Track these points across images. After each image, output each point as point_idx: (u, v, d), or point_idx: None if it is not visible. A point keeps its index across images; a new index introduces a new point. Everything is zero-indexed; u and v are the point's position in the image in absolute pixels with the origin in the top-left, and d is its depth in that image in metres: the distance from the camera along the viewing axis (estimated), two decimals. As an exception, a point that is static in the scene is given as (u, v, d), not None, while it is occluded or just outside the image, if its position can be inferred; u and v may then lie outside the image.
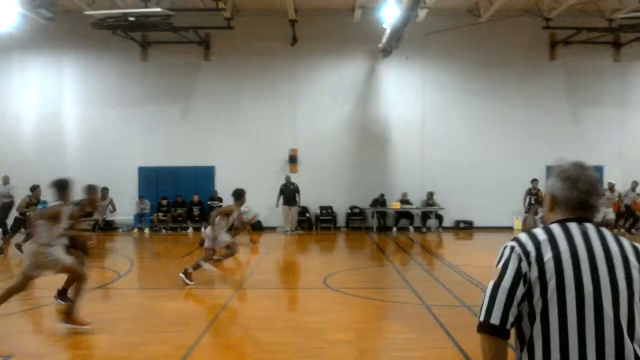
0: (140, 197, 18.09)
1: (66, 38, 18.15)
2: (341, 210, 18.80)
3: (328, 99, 18.79)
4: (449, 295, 8.71)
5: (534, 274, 1.97)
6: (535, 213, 15.15)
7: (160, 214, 18.14)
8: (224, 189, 17.08)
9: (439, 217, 18.33)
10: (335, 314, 7.65)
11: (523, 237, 2.06)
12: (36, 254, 6.50)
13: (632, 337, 1.91)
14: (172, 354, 5.88)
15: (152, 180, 18.21)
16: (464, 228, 18.54)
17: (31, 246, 6.68)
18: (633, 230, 17.26)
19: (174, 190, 18.24)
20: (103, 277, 10.52)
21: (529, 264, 1.98)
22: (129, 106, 18.72)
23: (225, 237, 9.69)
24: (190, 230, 17.67)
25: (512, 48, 18.90)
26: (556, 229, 2.05)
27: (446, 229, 18.41)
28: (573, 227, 2.05)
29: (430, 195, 18.31)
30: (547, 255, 1.97)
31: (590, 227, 2.05)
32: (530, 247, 2.01)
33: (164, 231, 17.88)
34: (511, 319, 1.98)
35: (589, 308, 1.91)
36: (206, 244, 9.66)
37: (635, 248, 2.04)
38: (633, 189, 17.44)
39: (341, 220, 18.82)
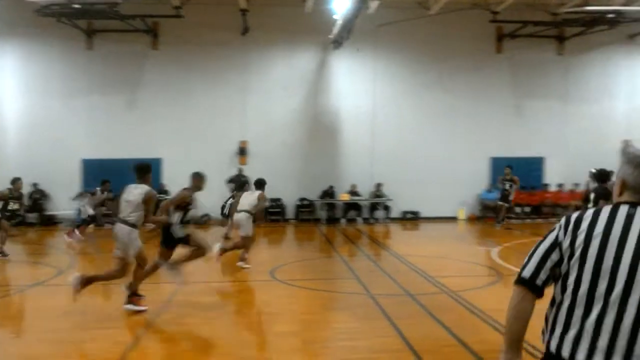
0: (84, 191, 17.54)
1: (8, 25, 17.43)
2: (291, 202, 18.77)
3: (279, 90, 18.68)
4: (394, 285, 8.81)
5: (567, 242, 2.19)
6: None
7: (104, 208, 17.64)
8: (171, 181, 16.78)
9: (387, 208, 18.53)
10: (281, 306, 7.64)
11: (575, 213, 2.27)
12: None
13: (629, 321, 2.01)
14: (111, 350, 5.74)
15: (96, 173, 17.69)
16: (411, 219, 18.79)
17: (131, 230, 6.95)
18: None
19: (119, 183, 17.70)
20: (42, 273, 10.20)
21: (565, 233, 2.21)
22: (73, 96, 18.13)
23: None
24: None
25: (460, 41, 19.17)
26: (606, 209, 2.19)
27: (394, 219, 18.61)
28: (623, 209, 2.16)
29: (379, 186, 18.47)
30: (583, 228, 2.16)
31: (639, 213, 2.13)
32: (572, 220, 2.22)
33: (107, 225, 17.26)
34: (542, 276, 2.24)
35: (602, 281, 2.06)
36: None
37: None
38: None
39: (290, 212, 18.79)
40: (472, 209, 19.15)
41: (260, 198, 10.20)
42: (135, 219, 7.00)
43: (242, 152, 18.37)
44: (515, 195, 18.21)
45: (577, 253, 2.15)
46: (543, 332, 2.29)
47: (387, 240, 15.36)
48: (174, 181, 17.64)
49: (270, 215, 18.28)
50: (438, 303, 7.73)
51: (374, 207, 18.62)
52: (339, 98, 19.02)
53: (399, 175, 18.50)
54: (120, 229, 7.00)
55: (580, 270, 2.13)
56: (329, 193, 18.39)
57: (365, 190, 18.68)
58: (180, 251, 8.02)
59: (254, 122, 18.48)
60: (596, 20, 17.78)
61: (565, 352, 2.12)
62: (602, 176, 9.69)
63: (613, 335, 2.02)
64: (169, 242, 7.78)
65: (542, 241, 2.31)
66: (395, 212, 18.78)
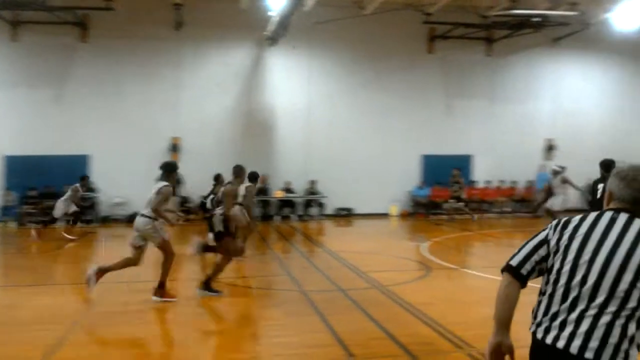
0: (7, 189, 16.80)
1: None
2: (225, 199, 18.58)
3: (213, 86, 18.43)
4: (326, 281, 8.90)
5: (554, 239, 2.48)
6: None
7: (28, 207, 16.93)
8: (99, 178, 16.30)
9: (321, 205, 18.68)
10: (209, 304, 7.57)
11: (565, 216, 2.57)
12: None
13: (620, 305, 2.24)
14: (33, 353, 5.54)
15: (20, 170, 16.94)
16: (345, 215, 18.98)
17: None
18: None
19: (44, 180, 17.07)
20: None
21: (554, 232, 2.50)
22: (-5, 89, 17.29)
23: None
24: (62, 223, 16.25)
25: (394, 41, 19.52)
26: (592, 214, 2.47)
27: (328, 216, 18.78)
28: (607, 214, 2.44)
29: (313, 183, 18.59)
30: (569, 229, 2.45)
31: (622, 217, 2.39)
32: (562, 221, 2.52)
33: (32, 225, 16.50)
34: (527, 267, 2.53)
35: (578, 275, 2.33)
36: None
37: None
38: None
39: (225, 210, 18.58)
40: (404, 206, 19.54)
41: (250, 190, 10.89)
42: (157, 215, 7.48)
43: (175, 148, 18.01)
44: (444, 192, 18.83)
45: (561, 249, 2.43)
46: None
47: (320, 237, 15.49)
48: (104, 177, 17.21)
49: (204, 212, 18.00)
50: (369, 298, 7.87)
51: (308, 204, 18.71)
52: (274, 95, 18.99)
53: (333, 172, 18.67)
54: (140, 221, 7.49)
55: (561, 265, 2.41)
56: (263, 190, 18.32)
57: (299, 187, 18.76)
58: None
59: (187, 118, 18.18)
60: (522, 24, 18.53)
61: (540, 333, 2.39)
62: (607, 166, 9.12)
63: (590, 322, 2.25)
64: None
65: (533, 237, 2.61)
66: (329, 209, 18.95)
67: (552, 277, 2.43)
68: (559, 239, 2.47)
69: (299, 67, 19.19)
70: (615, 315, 2.24)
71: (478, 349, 5.61)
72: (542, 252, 2.52)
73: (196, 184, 17.79)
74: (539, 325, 2.42)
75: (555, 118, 21.00)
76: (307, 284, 8.64)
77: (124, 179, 16.75)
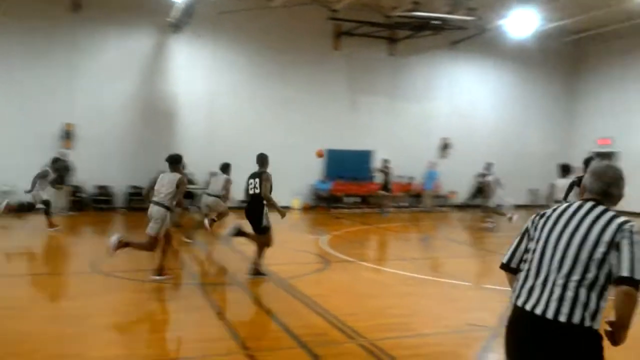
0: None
1: None
2: (121, 190, 17.86)
3: (112, 72, 17.60)
4: (222, 274, 8.78)
5: (532, 229, 2.98)
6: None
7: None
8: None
9: (224, 197, 18.38)
10: (102, 298, 7.24)
11: (546, 210, 3.02)
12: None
13: (580, 276, 2.70)
14: None
15: None
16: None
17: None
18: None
19: None
20: None
21: (532, 222, 3.00)
22: None
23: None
24: None
25: (300, 35, 19.57)
26: (563, 205, 2.97)
27: (230, 208, 18.47)
28: (575, 204, 2.92)
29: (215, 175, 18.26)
30: (542, 218, 2.95)
31: (587, 205, 2.87)
32: (539, 214, 3.00)
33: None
34: (515, 260, 3.04)
35: (547, 254, 2.82)
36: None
37: (622, 224, 2.74)
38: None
39: (121, 200, 17.88)
40: (306, 199, 19.68)
41: (227, 182, 11.76)
42: (169, 202, 8.10)
43: (67, 135, 17.04)
44: (345, 187, 19.19)
45: (536, 234, 2.93)
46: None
47: (220, 229, 15.24)
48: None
49: (96, 203, 17.25)
50: (266, 291, 7.85)
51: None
52: (177, 83, 18.43)
53: (236, 164, 18.38)
54: (156, 210, 8.10)
55: (535, 245, 2.91)
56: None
57: (201, 178, 18.36)
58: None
59: (82, 104, 17.22)
60: (423, 26, 19.17)
61: (520, 302, 2.85)
62: (566, 168, 11.42)
63: (556, 290, 2.73)
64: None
65: (518, 234, 3.10)
66: (231, 201, 18.67)
67: (528, 257, 2.93)
68: (535, 227, 2.97)
69: (202, 56, 18.76)
70: (579, 283, 2.69)
71: (369, 339, 5.75)
72: (524, 244, 3.02)
73: (92, 172, 17.02)
74: (518, 296, 2.89)
75: (451, 118, 21.96)
76: (203, 276, 8.48)
77: (10, 166, 15.65)
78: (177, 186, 8.19)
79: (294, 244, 12.31)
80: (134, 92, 17.97)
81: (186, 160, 18.18)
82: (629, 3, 17.60)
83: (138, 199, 17.59)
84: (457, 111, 22.12)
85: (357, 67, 20.51)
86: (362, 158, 20.30)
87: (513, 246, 3.08)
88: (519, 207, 22.32)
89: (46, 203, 12.73)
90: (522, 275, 2.91)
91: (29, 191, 12.67)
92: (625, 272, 2.61)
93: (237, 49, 19.11)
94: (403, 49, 21.07)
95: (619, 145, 22.13)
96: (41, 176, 12.75)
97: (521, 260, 3.00)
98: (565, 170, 11.56)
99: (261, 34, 19.02)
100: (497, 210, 15.60)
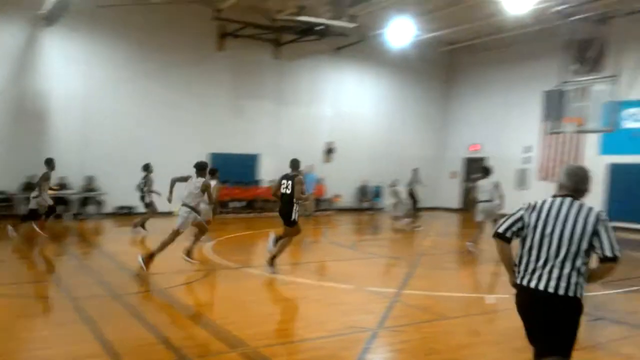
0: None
1: None
2: (-15, 195, 16.41)
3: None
4: (99, 286, 8.32)
5: (526, 217, 3.82)
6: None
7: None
8: None
9: (100, 203, 17.47)
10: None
11: (533, 200, 3.88)
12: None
13: (567, 257, 3.63)
14: None
15: None
16: (126, 214, 17.98)
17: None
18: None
19: None
20: None
21: (526, 211, 3.84)
22: None
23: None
24: None
25: (183, 34, 19.03)
26: (549, 199, 3.83)
27: (107, 215, 17.66)
28: (558, 199, 3.79)
29: (91, 179, 17.32)
30: (535, 210, 3.80)
31: (567, 200, 3.75)
32: (531, 205, 3.85)
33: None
34: (509, 233, 3.89)
35: (545, 241, 3.70)
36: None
37: (597, 215, 3.66)
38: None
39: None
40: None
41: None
42: (195, 203, 9.73)
43: None
44: (231, 191, 18.96)
45: (532, 225, 3.77)
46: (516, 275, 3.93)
47: (97, 238, 14.49)
48: None
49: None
50: (146, 302, 7.55)
51: (84, 201, 17.37)
52: (49, 80, 17.20)
53: (114, 167, 17.56)
54: (184, 210, 9.70)
55: (532, 235, 3.76)
56: (32, 185, 16.51)
57: (76, 182, 17.33)
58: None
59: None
60: (308, 30, 19.40)
61: (525, 282, 3.77)
62: (486, 170, 12.19)
63: (550, 269, 3.65)
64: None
65: (513, 213, 3.92)
66: (108, 207, 17.83)
67: (527, 244, 3.79)
68: (529, 217, 3.81)
69: (78, 52, 17.67)
70: (572, 267, 3.62)
71: (252, 347, 5.68)
72: (519, 224, 3.86)
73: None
74: (523, 277, 3.79)
75: (334, 122, 22.42)
76: (75, 289, 7.96)
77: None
78: (203, 190, 9.64)
79: (175, 251, 11.90)
80: (2, 90, 16.58)
81: (58, 163, 17.38)
82: (495, 18, 18.91)
83: (4, 206, 16.27)
84: (341, 116, 22.63)
85: (241, 70, 20.34)
86: (247, 162, 20.18)
87: (508, 222, 3.93)
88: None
89: (52, 208, 12.91)
90: (524, 260, 3.82)
91: None
92: (608, 253, 3.61)
93: (116, 46, 18.23)
94: (288, 53, 21.20)
95: (487, 151, 23.73)
96: (45, 178, 12.53)
97: (512, 236, 3.91)
98: (485, 171, 12.34)
99: (141, 30, 18.30)
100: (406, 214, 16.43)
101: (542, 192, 20.10)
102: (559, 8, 16.23)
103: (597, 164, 18.12)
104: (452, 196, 25.06)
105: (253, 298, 7.93)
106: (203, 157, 18.74)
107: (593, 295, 9.31)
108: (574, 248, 3.62)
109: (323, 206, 21.75)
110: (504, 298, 8.33)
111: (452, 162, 25.21)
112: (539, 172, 21.28)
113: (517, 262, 3.87)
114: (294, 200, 9.68)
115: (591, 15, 17.23)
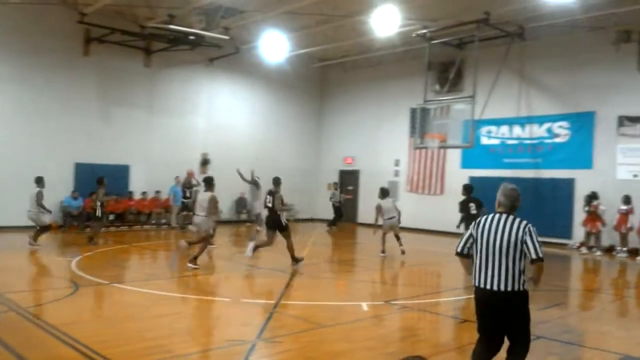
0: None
1: None
2: None
3: None
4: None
5: (475, 232, 4.72)
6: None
7: None
8: None
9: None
10: None
11: (479, 219, 4.79)
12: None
13: (508, 261, 4.54)
14: None
15: None
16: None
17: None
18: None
19: None
20: None
21: (474, 229, 4.73)
22: None
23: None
24: None
25: (46, 37, 17.86)
26: (490, 215, 4.73)
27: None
28: (498, 215, 4.70)
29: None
30: (480, 225, 4.71)
31: (503, 216, 4.68)
32: (476, 222, 4.77)
33: None
34: (465, 249, 4.82)
35: (490, 250, 4.60)
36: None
37: (525, 226, 4.60)
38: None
39: None
40: (54, 218, 17.73)
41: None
42: (206, 213, 11.47)
43: None
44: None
45: (478, 237, 4.71)
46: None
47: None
48: None
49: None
50: (3, 322, 6.93)
51: None
52: None
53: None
54: (200, 219, 11.65)
55: (480, 245, 4.68)
56: None
57: None
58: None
59: None
60: (179, 40, 19.01)
61: (480, 283, 4.68)
62: (468, 189, 13.43)
63: (497, 272, 4.58)
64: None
65: (465, 234, 4.88)
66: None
67: (478, 254, 4.72)
68: (477, 231, 4.74)
69: None
70: (513, 268, 4.55)
71: (125, 366, 5.42)
72: (471, 240, 4.80)
73: None
74: (478, 280, 4.71)
75: (209, 133, 22.14)
76: None
77: None
78: (209, 202, 11.44)
79: (38, 268, 11.13)
80: None
81: None
82: (364, 38, 19.81)
83: None
84: (216, 127, 22.40)
85: (110, 76, 19.47)
86: (117, 173, 19.29)
87: (462, 241, 4.88)
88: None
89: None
90: (476, 266, 4.74)
91: None
92: (534, 256, 4.53)
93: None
94: (159, 61, 20.65)
95: (359, 164, 24.64)
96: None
97: (468, 249, 4.84)
98: (384, 193, 14.38)
99: (1, 31, 16.97)
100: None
101: (411, 203, 21.36)
102: (421, 32, 17.30)
103: (460, 178, 19.48)
104: (328, 207, 25.63)
105: (125, 314, 7.57)
106: (69, 168, 17.93)
107: (458, 299, 9.95)
108: (511, 254, 4.58)
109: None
110: (378, 305, 8.68)
111: (329, 175, 25.82)
112: (407, 184, 22.44)
113: (474, 267, 4.80)
114: (277, 210, 11.89)
115: (450, 40, 18.60)
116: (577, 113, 18.14)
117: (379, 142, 23.87)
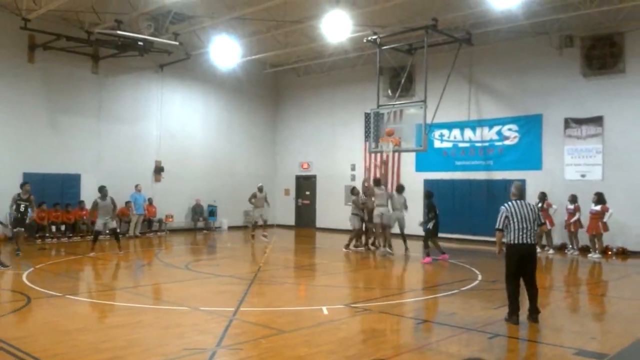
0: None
1: None
2: None
3: None
4: None
5: (508, 213, 7.77)
6: None
7: None
8: None
9: None
10: None
11: (507, 203, 7.86)
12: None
13: (533, 225, 7.73)
14: None
15: None
16: None
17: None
18: None
19: None
20: None
21: (507, 209, 7.79)
22: None
23: None
24: None
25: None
26: (514, 200, 7.88)
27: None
28: (517, 201, 7.88)
29: None
30: (511, 207, 7.79)
31: (519, 201, 7.88)
32: (508, 204, 7.82)
33: None
34: (501, 225, 7.83)
35: (522, 219, 7.68)
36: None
37: (534, 205, 8.39)
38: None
39: None
40: (2, 229, 17.11)
41: None
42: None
43: None
44: (50, 214, 17.53)
45: (513, 214, 7.70)
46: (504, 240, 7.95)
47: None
48: None
49: None
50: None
51: None
52: None
53: None
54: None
55: (516, 218, 7.67)
56: None
57: None
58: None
59: None
60: (128, 46, 18.67)
61: (516, 240, 7.67)
62: (429, 194, 15.08)
63: (529, 232, 7.69)
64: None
65: (500, 215, 7.80)
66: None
67: (515, 224, 7.65)
68: (508, 212, 7.70)
69: None
70: (533, 229, 7.69)
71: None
72: (506, 220, 7.73)
73: None
74: (516, 239, 7.63)
75: (161, 140, 21.81)
76: None
77: None
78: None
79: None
80: None
81: None
82: (316, 44, 19.91)
83: None
84: (169, 134, 22.11)
85: (56, 84, 19.00)
86: (68, 182, 18.80)
87: (500, 219, 7.75)
88: (232, 227, 23.27)
89: None
90: (515, 231, 7.63)
91: None
92: (542, 221, 8.06)
93: None
94: (108, 68, 20.26)
95: (315, 169, 24.71)
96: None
97: (504, 226, 7.71)
98: (400, 189, 16.00)
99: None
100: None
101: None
102: (372, 38, 17.52)
103: (415, 180, 19.78)
104: (287, 213, 25.62)
105: (80, 326, 7.35)
106: (16, 177, 17.34)
107: (417, 300, 10.10)
108: (532, 220, 7.67)
109: (155, 227, 20.98)
110: (338, 309, 8.71)
111: (285, 180, 25.81)
112: (363, 188, 22.59)
113: (508, 234, 7.69)
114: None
115: (401, 46, 18.89)
116: (525, 116, 18.71)
117: (334, 147, 24.01)
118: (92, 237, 15.25)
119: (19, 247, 14.36)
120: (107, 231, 15.35)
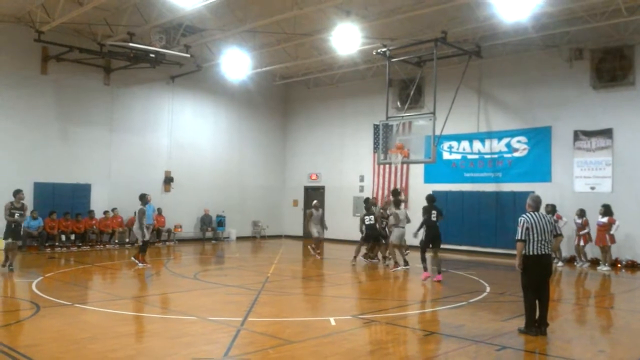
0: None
1: None
2: None
3: None
4: None
5: (528, 223, 7.79)
6: None
7: None
8: None
9: None
10: None
11: (526, 214, 7.93)
12: None
13: (550, 237, 7.85)
14: None
15: None
16: None
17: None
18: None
19: None
20: None
21: (527, 221, 7.82)
22: None
23: None
24: None
25: (2, 55, 17.64)
26: (531, 212, 7.94)
27: None
28: (534, 213, 7.95)
29: None
30: (530, 218, 7.85)
31: (537, 213, 7.97)
32: (527, 216, 7.88)
33: None
34: (523, 236, 7.76)
35: (541, 231, 7.76)
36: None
37: (551, 217, 8.76)
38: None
39: None
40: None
41: None
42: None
43: None
44: (60, 224, 17.63)
45: (533, 226, 7.75)
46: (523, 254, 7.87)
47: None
48: None
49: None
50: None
51: None
52: None
53: None
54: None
55: (535, 229, 7.74)
56: None
57: None
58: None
59: None
60: (140, 57, 18.89)
61: (535, 252, 7.74)
62: (432, 198, 14.01)
63: (546, 243, 7.79)
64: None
65: (521, 226, 7.79)
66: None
67: (535, 235, 7.71)
68: (528, 223, 7.75)
69: None
70: (551, 240, 7.84)
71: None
72: (525, 228, 7.74)
73: None
74: (535, 250, 7.71)
75: (171, 151, 21.95)
76: None
77: None
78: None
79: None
80: None
81: None
82: (326, 56, 20.03)
83: None
84: (179, 145, 22.26)
85: (68, 95, 19.22)
86: (78, 192, 18.96)
87: (521, 230, 7.74)
88: (240, 238, 23.31)
89: None
90: (534, 242, 7.69)
91: None
92: (559, 232, 8.55)
93: None
94: (120, 79, 20.47)
95: (324, 180, 24.76)
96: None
97: (525, 237, 7.71)
98: (397, 203, 15.44)
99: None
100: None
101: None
102: (381, 50, 17.61)
103: (423, 192, 19.74)
104: (295, 224, 25.64)
105: (88, 335, 7.40)
106: (28, 188, 17.51)
107: (424, 311, 10.08)
108: (549, 231, 7.83)
109: (164, 237, 21.07)
110: (346, 320, 8.71)
111: (294, 191, 25.86)
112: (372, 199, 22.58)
113: (527, 245, 7.71)
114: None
115: (410, 58, 18.96)
116: (534, 128, 18.68)
117: (343, 158, 24.07)
118: (140, 246, 14.49)
119: (12, 260, 12.97)
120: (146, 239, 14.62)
